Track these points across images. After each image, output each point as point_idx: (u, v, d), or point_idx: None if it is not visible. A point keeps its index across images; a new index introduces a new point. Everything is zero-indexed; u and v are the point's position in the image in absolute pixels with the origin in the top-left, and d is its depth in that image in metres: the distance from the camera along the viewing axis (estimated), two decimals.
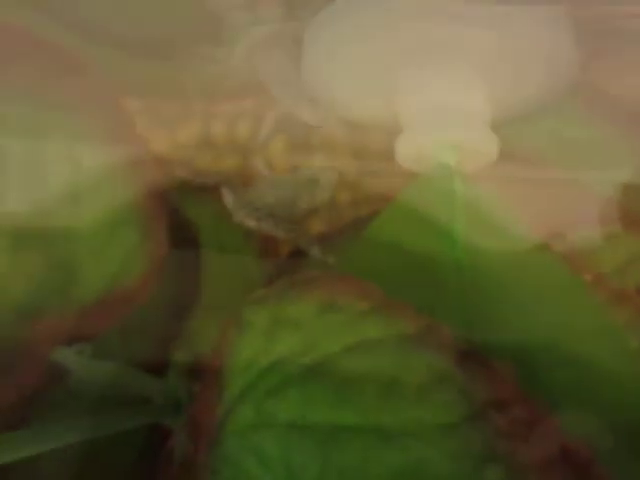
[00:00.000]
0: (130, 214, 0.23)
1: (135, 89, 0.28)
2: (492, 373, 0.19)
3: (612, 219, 0.25)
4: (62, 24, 0.26)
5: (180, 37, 0.27)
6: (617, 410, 0.21)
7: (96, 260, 0.23)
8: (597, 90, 0.26)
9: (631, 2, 0.25)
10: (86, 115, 0.24)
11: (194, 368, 0.24)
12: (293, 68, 0.27)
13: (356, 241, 0.25)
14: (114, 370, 0.24)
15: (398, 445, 0.19)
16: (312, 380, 0.20)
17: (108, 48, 0.26)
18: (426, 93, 0.24)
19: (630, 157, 0.26)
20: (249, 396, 0.20)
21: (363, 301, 0.20)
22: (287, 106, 0.28)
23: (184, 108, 0.29)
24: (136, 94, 0.28)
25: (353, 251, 0.24)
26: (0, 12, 0.25)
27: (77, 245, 0.23)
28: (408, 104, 0.24)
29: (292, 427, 0.19)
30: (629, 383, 0.21)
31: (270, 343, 0.21)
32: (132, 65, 0.27)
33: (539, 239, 0.23)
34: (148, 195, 0.24)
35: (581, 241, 0.25)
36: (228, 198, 0.28)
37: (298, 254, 0.28)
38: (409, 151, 0.24)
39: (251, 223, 0.27)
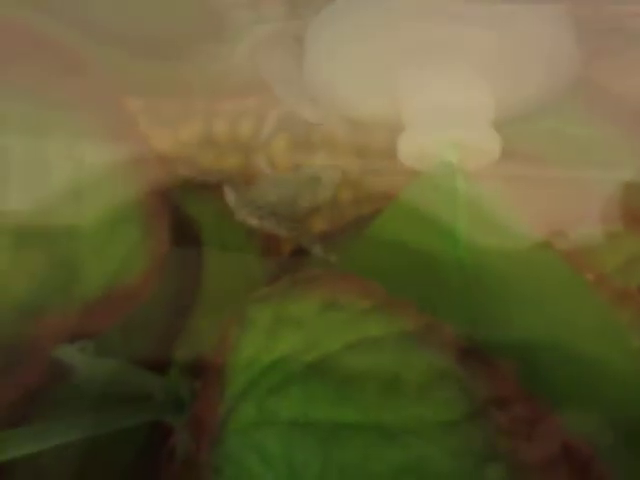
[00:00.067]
0: (132, 212, 0.23)
1: (137, 87, 0.28)
2: (494, 371, 0.19)
3: (614, 218, 0.25)
4: (64, 23, 0.26)
5: (182, 35, 0.27)
6: (619, 408, 0.21)
7: (98, 258, 0.23)
8: (599, 89, 0.26)
9: (633, 1, 0.25)
10: (88, 114, 0.24)
11: (196, 366, 0.24)
12: (295, 67, 0.27)
13: (358, 239, 0.25)
14: (116, 367, 0.24)
15: (399, 443, 0.19)
16: (314, 378, 0.20)
17: (110, 47, 0.26)
18: (428, 92, 0.24)
19: (632, 156, 0.26)
20: (251, 394, 0.20)
21: (365, 299, 0.20)
22: (289, 104, 0.28)
23: (186, 106, 0.29)
24: (138, 92, 0.28)
25: (355, 249, 0.24)
26: (1, 11, 0.25)
27: (79, 243, 0.23)
28: (410, 103, 0.24)
29: (294, 425, 0.19)
30: (631, 381, 0.21)
31: (272, 341, 0.21)
32: (134, 63, 0.27)
33: (541, 237, 0.23)
34: (150, 193, 0.24)
35: (583, 240, 0.25)
36: (230, 196, 0.28)
37: (300, 252, 0.28)
38: (411, 149, 0.24)
39: (253, 221, 0.28)
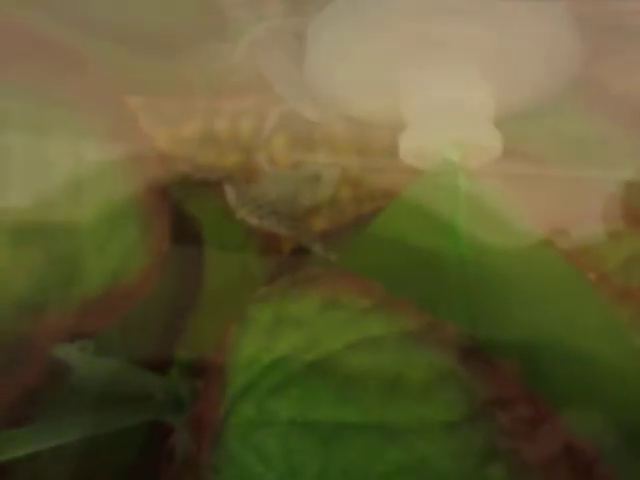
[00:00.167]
0: (132, 210, 0.23)
1: (138, 86, 0.28)
2: (496, 371, 0.19)
3: (614, 217, 0.25)
4: (65, 21, 0.26)
5: (183, 34, 0.27)
6: (621, 407, 0.21)
7: (98, 256, 0.23)
8: (600, 87, 0.26)
9: None
10: (89, 112, 0.24)
11: (196, 365, 0.24)
12: (296, 65, 0.27)
13: (359, 238, 0.25)
14: (116, 367, 0.24)
15: (400, 443, 0.19)
16: (314, 378, 0.20)
17: (111, 45, 0.26)
18: (429, 90, 0.24)
19: (633, 155, 0.26)
20: (251, 394, 0.20)
21: (365, 298, 0.20)
22: (290, 103, 0.28)
23: (187, 105, 0.29)
24: (139, 91, 0.28)
25: (356, 248, 0.24)
26: (2, 10, 0.25)
27: (79, 241, 0.23)
28: (411, 101, 0.24)
29: (294, 425, 0.19)
30: (633, 380, 0.21)
31: (272, 341, 0.21)
32: (135, 62, 0.27)
33: (542, 236, 0.23)
34: (150, 191, 0.24)
35: (584, 239, 0.25)
36: (231, 195, 0.28)
37: (300, 251, 0.28)
38: (412, 148, 0.24)
39: (253, 220, 0.27)
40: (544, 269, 0.23)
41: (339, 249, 0.27)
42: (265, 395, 0.20)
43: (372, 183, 0.28)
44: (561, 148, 0.26)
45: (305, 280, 0.21)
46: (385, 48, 0.24)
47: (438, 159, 0.23)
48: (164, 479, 0.22)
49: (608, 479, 0.19)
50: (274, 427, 0.20)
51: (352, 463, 0.19)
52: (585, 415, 0.20)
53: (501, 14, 0.24)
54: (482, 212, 0.23)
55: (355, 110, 0.26)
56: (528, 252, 0.23)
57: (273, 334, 0.21)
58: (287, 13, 0.27)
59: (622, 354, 0.22)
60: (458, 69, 0.24)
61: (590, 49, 0.25)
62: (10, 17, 0.24)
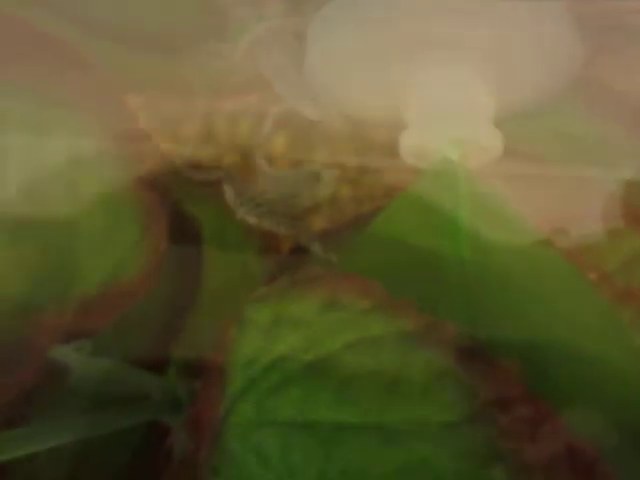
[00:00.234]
0: (130, 210, 0.23)
1: (138, 85, 0.28)
2: (496, 371, 0.19)
3: (615, 216, 0.25)
4: (65, 21, 0.26)
5: (183, 33, 0.27)
6: (622, 408, 0.20)
7: (95, 255, 0.23)
8: (601, 87, 0.26)
9: None
10: (88, 111, 0.24)
11: (194, 366, 0.24)
12: (295, 64, 0.27)
13: (359, 237, 0.25)
14: (113, 367, 0.24)
15: (400, 444, 0.19)
16: (313, 378, 0.20)
17: (111, 44, 0.26)
18: (429, 90, 0.24)
19: (633, 154, 0.26)
20: (250, 394, 0.20)
21: (365, 299, 0.20)
22: (289, 102, 0.28)
23: (187, 104, 0.29)
24: (139, 90, 0.28)
25: (355, 247, 0.24)
26: (2, 9, 0.25)
27: (77, 240, 0.23)
28: (411, 100, 0.24)
29: (293, 425, 0.19)
30: (633, 380, 0.21)
31: (271, 341, 0.20)
32: (135, 61, 0.27)
33: (543, 235, 0.23)
34: (149, 190, 0.24)
35: (584, 238, 0.25)
36: (230, 194, 0.28)
37: (299, 251, 0.28)
38: (413, 147, 0.24)
39: (252, 220, 0.27)
40: (544, 269, 0.23)
41: (339, 249, 0.27)
42: (264, 395, 0.20)
43: (372, 182, 0.28)
44: (561, 148, 0.26)
45: (304, 280, 0.21)
46: (385, 48, 0.24)
47: (438, 159, 0.23)
48: (162, 479, 0.22)
49: (608, 479, 0.19)
50: (273, 427, 0.20)
51: (351, 463, 0.19)
52: (585, 415, 0.20)
53: (501, 14, 0.24)
54: (482, 212, 0.23)
55: (355, 110, 0.26)
56: (528, 252, 0.23)
57: (272, 334, 0.21)
58: (287, 13, 0.27)
59: (623, 354, 0.22)
60: (458, 69, 0.24)
61: (590, 49, 0.25)
62: (10, 17, 0.24)
